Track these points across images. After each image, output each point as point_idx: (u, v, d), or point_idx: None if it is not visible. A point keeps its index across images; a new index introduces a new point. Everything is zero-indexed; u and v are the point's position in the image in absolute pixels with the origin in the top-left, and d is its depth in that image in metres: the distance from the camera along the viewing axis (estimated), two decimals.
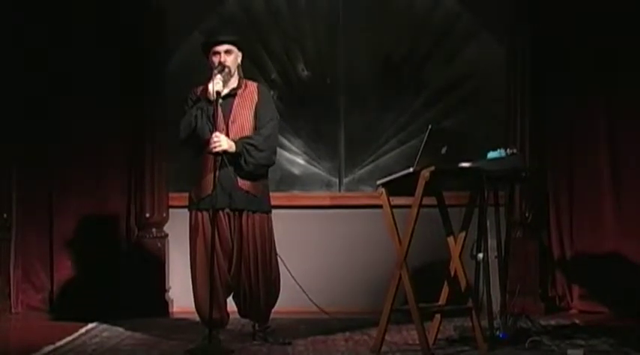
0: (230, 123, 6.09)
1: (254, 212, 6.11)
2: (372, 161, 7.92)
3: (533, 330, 6.35)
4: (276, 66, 7.92)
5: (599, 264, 7.48)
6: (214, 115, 5.96)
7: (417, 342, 5.85)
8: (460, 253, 6.04)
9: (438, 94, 7.90)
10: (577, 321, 7.01)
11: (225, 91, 6.09)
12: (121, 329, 6.78)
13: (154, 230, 7.61)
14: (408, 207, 5.79)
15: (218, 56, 6.10)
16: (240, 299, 6.19)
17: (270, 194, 6.25)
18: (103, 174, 7.61)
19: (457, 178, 6.06)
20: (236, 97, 6.15)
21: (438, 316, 6.12)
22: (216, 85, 5.99)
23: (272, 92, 7.37)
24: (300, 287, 6.57)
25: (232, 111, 6.12)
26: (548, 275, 7.61)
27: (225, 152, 5.97)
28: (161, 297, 7.54)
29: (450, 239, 6.07)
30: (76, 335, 6.55)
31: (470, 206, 6.08)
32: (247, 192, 6.08)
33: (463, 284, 6.00)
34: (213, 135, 5.94)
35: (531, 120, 7.56)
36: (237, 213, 6.09)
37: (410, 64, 7.91)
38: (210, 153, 5.97)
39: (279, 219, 6.38)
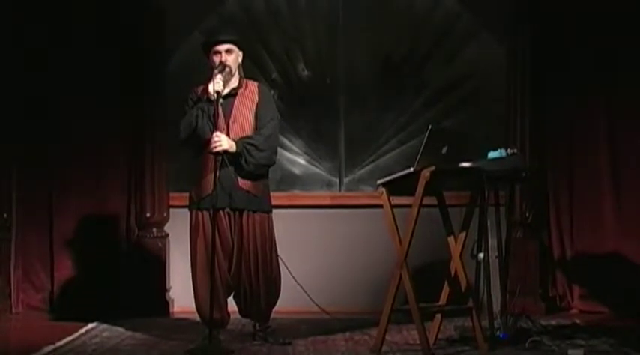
0: (230, 122, 6.09)
1: (254, 212, 6.11)
2: (373, 161, 7.92)
3: (533, 330, 6.35)
4: (276, 66, 7.92)
5: (599, 264, 7.48)
6: (215, 115, 5.96)
7: (418, 342, 5.85)
8: (460, 253, 6.04)
9: (438, 94, 7.90)
10: (577, 321, 7.01)
11: (226, 91, 6.09)
12: (121, 329, 6.78)
13: (154, 230, 7.61)
14: (409, 206, 5.79)
15: (219, 56, 6.10)
16: (241, 299, 6.19)
17: (271, 194, 6.25)
18: (103, 174, 7.61)
19: (457, 178, 6.06)
20: (237, 97, 6.15)
21: (438, 316, 6.12)
22: (216, 85, 5.99)
23: (272, 92, 7.38)
24: (301, 287, 6.57)
25: (233, 111, 6.12)
26: (548, 275, 7.61)
27: (225, 152, 5.97)
28: (161, 297, 7.54)
29: (451, 239, 6.07)
30: (76, 335, 6.55)
31: (470, 206, 6.08)
32: (248, 191, 6.07)
33: (463, 284, 6.00)
34: (214, 134, 5.94)
35: (531, 120, 7.56)
36: (237, 212, 6.09)
37: (410, 64, 7.91)
38: (211, 152, 5.97)
39: (280, 219, 6.38)
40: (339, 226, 7.73)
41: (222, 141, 5.95)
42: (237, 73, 6.18)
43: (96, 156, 7.59)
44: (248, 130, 6.11)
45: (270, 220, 6.20)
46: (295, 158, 7.94)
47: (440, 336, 6.17)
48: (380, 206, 5.93)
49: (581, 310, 7.48)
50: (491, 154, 6.08)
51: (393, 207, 5.86)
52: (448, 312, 6.15)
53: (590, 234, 7.55)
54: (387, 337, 6.01)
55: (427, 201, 5.86)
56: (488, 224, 6.05)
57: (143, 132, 7.58)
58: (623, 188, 7.52)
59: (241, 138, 6.04)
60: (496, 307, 6.16)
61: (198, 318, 6.21)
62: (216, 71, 6.05)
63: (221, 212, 6.03)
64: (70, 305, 7.44)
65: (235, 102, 6.14)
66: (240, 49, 6.19)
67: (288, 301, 6.58)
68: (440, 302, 6.09)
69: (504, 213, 6.30)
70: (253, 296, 6.14)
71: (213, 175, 5.97)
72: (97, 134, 7.57)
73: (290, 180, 7.93)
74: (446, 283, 6.09)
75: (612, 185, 7.52)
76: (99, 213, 7.59)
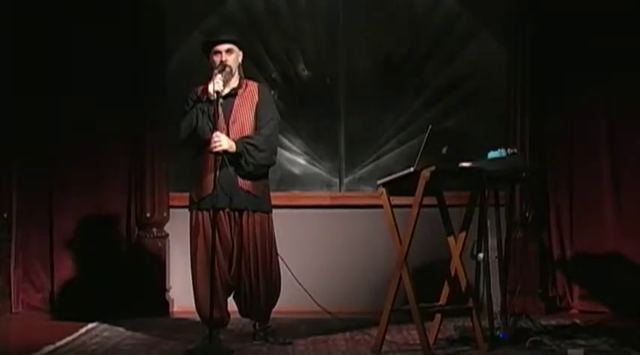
0: (230, 123, 6.09)
1: (254, 212, 6.11)
2: (372, 161, 7.92)
3: (533, 330, 6.36)
4: (276, 66, 7.92)
5: (599, 264, 7.48)
6: (215, 115, 5.96)
7: (418, 342, 5.86)
8: (460, 253, 6.04)
9: (438, 94, 7.89)
10: (577, 321, 7.01)
11: (226, 91, 6.09)
12: (121, 329, 6.78)
13: (154, 230, 7.61)
14: (409, 206, 5.79)
15: (219, 55, 6.10)
16: (241, 299, 6.19)
17: (271, 194, 6.26)
18: (103, 174, 7.60)
19: (457, 178, 6.06)
20: (237, 97, 6.15)
21: (438, 316, 6.12)
22: (216, 85, 5.99)
23: (272, 92, 7.38)
24: (302, 287, 6.56)
25: (233, 111, 6.12)
26: (548, 275, 7.60)
27: (225, 152, 5.97)
28: (161, 297, 7.53)
29: (451, 239, 6.08)
30: (76, 335, 6.55)
31: (470, 206, 6.08)
32: (248, 191, 6.08)
33: (463, 284, 6.00)
34: (214, 134, 5.94)
35: (531, 120, 7.55)
36: (237, 212, 6.09)
37: (410, 64, 7.91)
38: (211, 152, 5.97)
39: (280, 219, 6.38)
40: (339, 226, 7.73)
41: (222, 141, 5.95)
42: (237, 73, 6.19)
43: (96, 156, 7.59)
44: (248, 130, 6.11)
45: (270, 220, 6.20)
46: (295, 158, 7.94)
47: (440, 336, 6.18)
48: (380, 206, 5.93)
49: (581, 310, 7.48)
50: (491, 154, 6.08)
51: (393, 207, 5.86)
52: (448, 312, 6.15)
53: (590, 234, 7.54)
54: (387, 337, 6.01)
55: (427, 201, 5.86)
56: (488, 224, 6.05)
57: (143, 132, 7.57)
58: (623, 188, 7.51)
59: (241, 138, 6.04)
60: (496, 307, 6.17)
61: (198, 318, 6.21)
62: (216, 71, 6.05)
63: (221, 212, 6.03)
64: (70, 305, 7.44)
65: (235, 102, 6.14)
66: (240, 48, 6.19)
67: (288, 301, 6.58)
68: (440, 302, 6.09)
69: (504, 213, 6.31)
70: (253, 296, 6.14)
71: (213, 175, 5.97)
72: (97, 134, 7.57)
73: (290, 180, 7.92)
74: (446, 283, 6.09)
75: (612, 185, 7.52)
76: (99, 213, 7.59)
